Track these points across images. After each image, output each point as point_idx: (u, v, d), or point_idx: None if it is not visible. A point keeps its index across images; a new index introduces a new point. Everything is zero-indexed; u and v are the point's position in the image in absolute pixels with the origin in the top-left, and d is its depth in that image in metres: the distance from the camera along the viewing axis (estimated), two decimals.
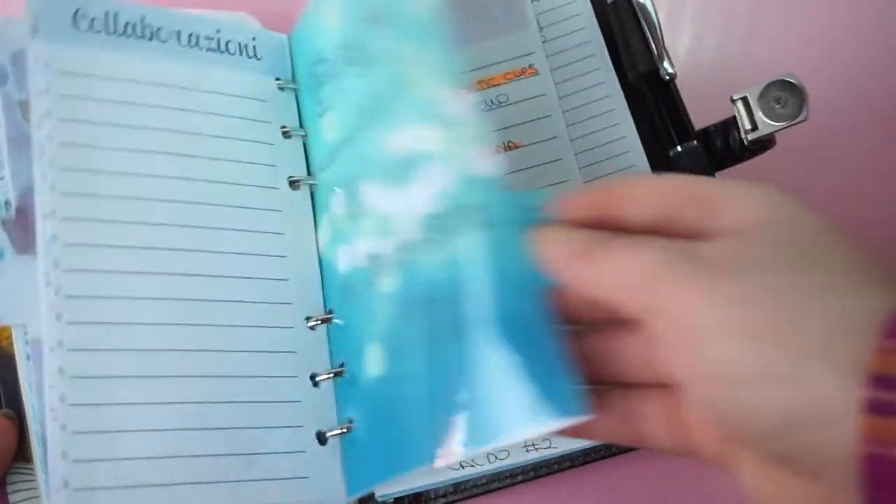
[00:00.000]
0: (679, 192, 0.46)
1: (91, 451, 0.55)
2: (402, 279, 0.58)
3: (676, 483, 0.68)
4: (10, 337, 0.59)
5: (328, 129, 0.66)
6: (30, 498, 0.59)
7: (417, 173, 0.57)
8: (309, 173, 0.67)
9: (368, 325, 0.60)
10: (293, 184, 0.66)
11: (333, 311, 0.64)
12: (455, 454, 0.53)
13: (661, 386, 0.48)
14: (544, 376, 0.50)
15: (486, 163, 0.54)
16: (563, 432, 0.50)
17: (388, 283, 0.59)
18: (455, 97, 0.56)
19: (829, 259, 0.41)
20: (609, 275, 0.44)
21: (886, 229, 0.47)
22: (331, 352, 0.64)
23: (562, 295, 0.50)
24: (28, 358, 0.58)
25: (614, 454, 0.64)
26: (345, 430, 0.61)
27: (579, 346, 0.50)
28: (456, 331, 0.53)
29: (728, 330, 0.39)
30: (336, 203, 0.65)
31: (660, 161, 0.68)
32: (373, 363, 0.60)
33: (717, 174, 0.67)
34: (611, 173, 0.67)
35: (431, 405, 0.55)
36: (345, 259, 0.63)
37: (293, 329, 0.63)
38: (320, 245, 0.66)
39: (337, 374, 0.63)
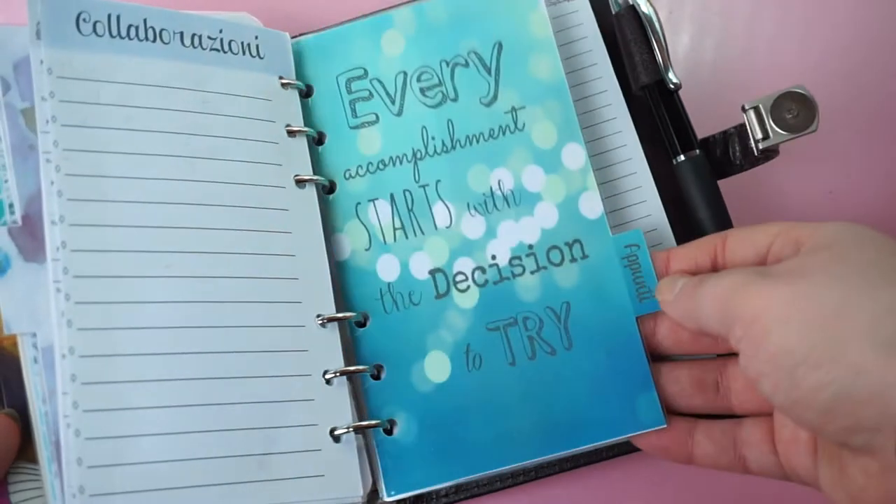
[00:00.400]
0: (771, 233, 0.53)
1: (106, 456, 0.54)
2: (490, 298, 0.63)
3: (675, 484, 0.67)
4: (13, 337, 0.57)
5: (369, 142, 0.67)
6: (33, 498, 0.57)
7: (521, 208, 0.64)
8: (314, 172, 0.66)
9: (428, 335, 0.62)
10: (300, 182, 0.64)
11: (368, 316, 0.64)
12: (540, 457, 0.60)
13: (763, 414, 0.56)
14: (630, 391, 0.59)
15: (592, 207, 0.64)
16: (666, 457, 0.59)
17: (466, 300, 0.63)
18: (571, 150, 0.65)
19: (883, 262, 0.46)
20: (702, 304, 0.52)
21: (885, 230, 0.47)
22: (359, 353, 0.63)
23: (676, 330, 0.60)
24: (35, 361, 0.56)
25: (614, 455, 0.63)
26: (385, 430, 0.62)
27: (693, 375, 0.59)
28: (547, 348, 0.61)
29: (785, 323, 0.45)
30: (376, 213, 0.65)
31: (662, 170, 0.67)
32: (434, 370, 0.62)
33: (719, 182, 0.66)
34: (612, 180, 0.67)
35: (512, 413, 0.60)
36: (391, 269, 0.64)
37: (304, 327, 0.61)
38: (345, 249, 0.65)
39: (373, 377, 0.63)
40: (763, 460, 0.54)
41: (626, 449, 0.62)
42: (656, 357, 0.60)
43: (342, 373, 0.61)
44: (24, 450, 0.57)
